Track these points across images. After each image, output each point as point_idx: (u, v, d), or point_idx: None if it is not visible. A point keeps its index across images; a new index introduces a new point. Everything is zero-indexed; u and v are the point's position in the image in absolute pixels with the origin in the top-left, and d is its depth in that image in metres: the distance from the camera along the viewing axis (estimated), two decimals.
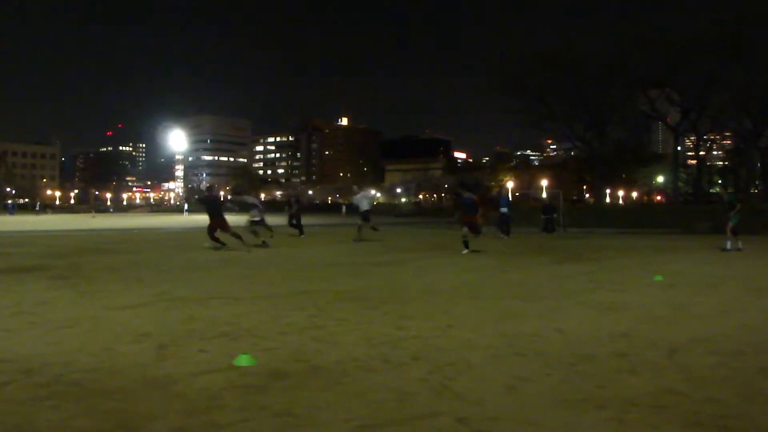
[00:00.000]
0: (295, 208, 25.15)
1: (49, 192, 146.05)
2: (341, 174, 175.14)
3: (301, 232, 23.56)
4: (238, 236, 16.67)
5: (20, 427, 3.79)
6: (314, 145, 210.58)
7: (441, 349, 5.72)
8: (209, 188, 35.24)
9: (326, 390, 4.51)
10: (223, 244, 16.72)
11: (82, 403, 4.18)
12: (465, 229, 16.13)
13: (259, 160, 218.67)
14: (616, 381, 4.74)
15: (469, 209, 16.44)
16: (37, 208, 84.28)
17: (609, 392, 4.46)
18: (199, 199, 24.40)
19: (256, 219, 19.83)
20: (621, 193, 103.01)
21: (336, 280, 10.95)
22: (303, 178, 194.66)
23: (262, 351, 5.51)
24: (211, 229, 16.73)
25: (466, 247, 15.98)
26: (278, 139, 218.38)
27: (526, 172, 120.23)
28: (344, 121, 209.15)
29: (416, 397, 4.36)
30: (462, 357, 5.42)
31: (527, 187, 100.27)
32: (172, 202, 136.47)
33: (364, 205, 22.06)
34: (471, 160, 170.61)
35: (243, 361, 5.12)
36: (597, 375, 4.89)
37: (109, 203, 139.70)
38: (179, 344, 5.86)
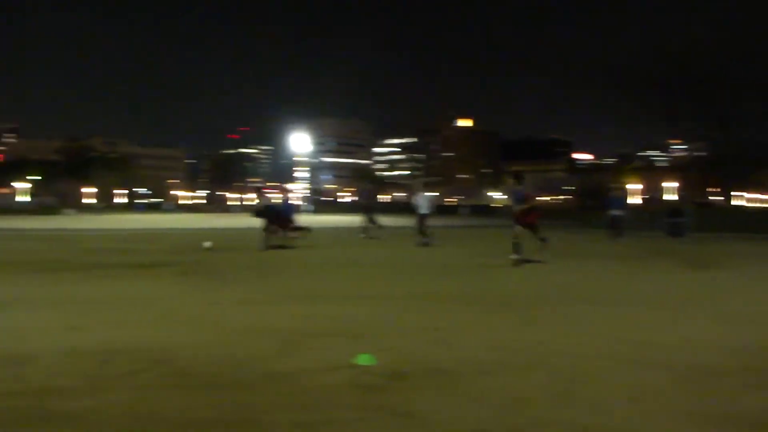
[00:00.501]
0: (367, 202, 25.10)
1: (175, 192, 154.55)
2: (461, 176, 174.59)
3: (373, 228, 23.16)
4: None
5: (148, 412, 4.05)
6: (434, 147, 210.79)
7: (561, 354, 5.63)
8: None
9: (444, 392, 4.54)
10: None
11: (208, 394, 4.42)
12: (518, 229, 13.47)
13: (380, 162, 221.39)
14: (745, 397, 4.51)
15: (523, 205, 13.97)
16: (168, 207, 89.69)
17: (737, 409, 4.26)
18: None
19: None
20: (752, 195, 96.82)
21: (453, 282, 10.98)
22: (425, 180, 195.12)
23: (381, 351, 5.59)
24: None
25: (516, 252, 13.21)
26: (399, 140, 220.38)
27: (650, 173, 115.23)
28: (464, 123, 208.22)
29: (536, 403, 4.32)
30: (583, 364, 5.31)
31: (652, 188, 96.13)
32: (300, 203, 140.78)
33: (424, 208, 20.63)
34: (592, 161, 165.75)
35: (363, 360, 5.22)
36: (724, 389, 4.67)
37: (233, 203, 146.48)
38: (301, 341, 6.04)
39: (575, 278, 11.70)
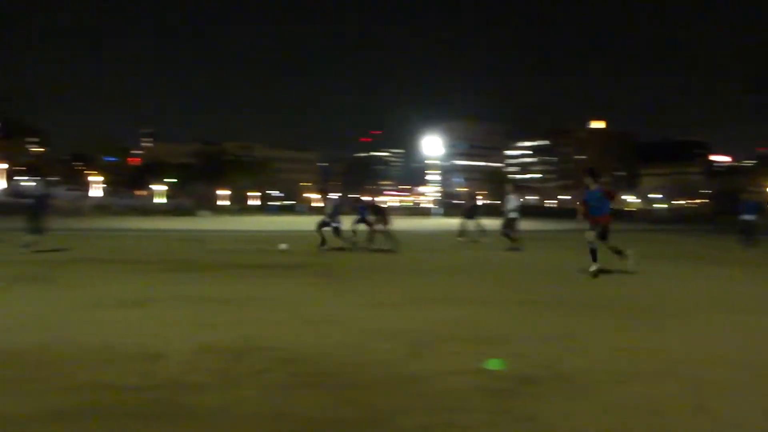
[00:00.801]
0: (469, 206, 24.51)
1: (308, 195, 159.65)
2: None
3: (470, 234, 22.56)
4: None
5: (277, 410, 4.14)
6: (567, 149, 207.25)
7: (697, 364, 5.42)
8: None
9: (574, 399, 4.44)
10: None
11: (336, 394, 4.47)
12: (591, 234, 12.05)
13: (513, 165, 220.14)
14: None
15: (599, 206, 12.19)
16: (302, 210, 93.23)
17: None
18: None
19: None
20: None
21: (587, 288, 10.68)
22: (557, 182, 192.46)
23: (511, 356, 5.54)
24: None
25: (594, 259, 11.98)
26: (531, 143, 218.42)
27: None
28: (597, 124, 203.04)
29: (669, 414, 4.17)
30: (719, 375, 5.09)
31: None
32: (429, 206, 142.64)
33: (512, 211, 19.32)
34: (731, 164, 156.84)
35: (493, 364, 5.19)
36: None
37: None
38: (430, 344, 6.05)
39: (697, 285, 11.32)
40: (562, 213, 77.62)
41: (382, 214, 18.55)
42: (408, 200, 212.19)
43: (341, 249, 17.38)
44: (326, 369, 5.12)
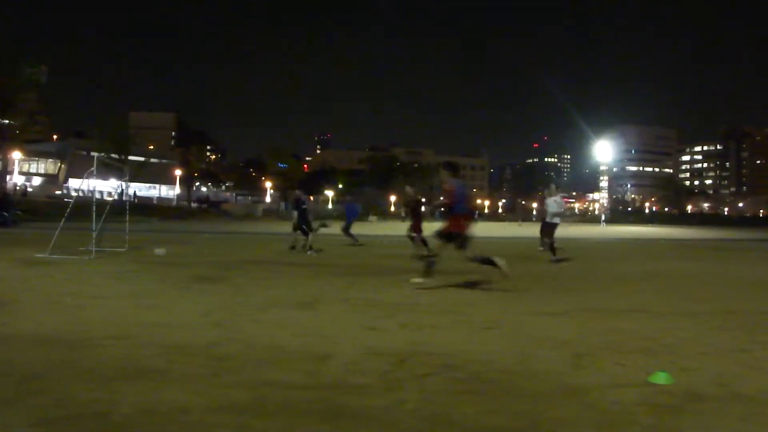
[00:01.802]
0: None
1: (479, 201, 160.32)
2: None
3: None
4: None
5: (436, 415, 4.17)
6: (744, 154, 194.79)
7: None
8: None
9: (746, 419, 4.19)
10: None
11: (497, 402, 4.46)
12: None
13: (685, 171, 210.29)
14: None
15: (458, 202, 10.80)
16: (476, 216, 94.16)
17: None
18: None
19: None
20: None
21: (762, 300, 10.06)
22: (732, 189, 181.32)
23: (679, 370, 5.31)
24: None
25: (489, 262, 10.85)
26: (705, 147, 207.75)
27: None
28: None
29: None
30: None
31: None
32: (598, 212, 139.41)
33: (555, 218, 17.25)
34: None
35: (660, 378, 5.00)
36: None
37: (534, 212, 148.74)
38: (596, 355, 5.93)
39: None
40: (737, 221, 73.71)
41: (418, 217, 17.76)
42: (578, 207, 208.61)
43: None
44: (488, 376, 5.11)
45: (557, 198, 17.58)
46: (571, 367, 5.48)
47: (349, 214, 25.47)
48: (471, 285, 11.37)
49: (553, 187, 17.99)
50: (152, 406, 4.19)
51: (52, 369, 5.03)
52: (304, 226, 18.93)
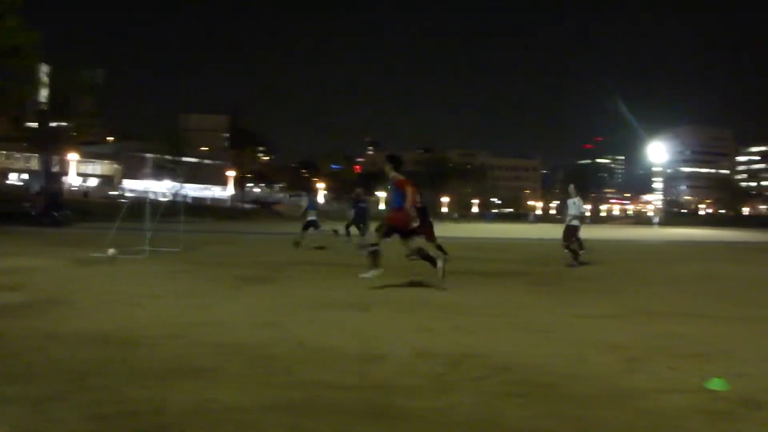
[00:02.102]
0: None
1: (531, 203, 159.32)
2: None
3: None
4: None
5: (489, 418, 4.16)
6: None
7: None
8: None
9: None
10: None
11: (550, 406, 4.42)
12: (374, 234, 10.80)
13: (742, 172, 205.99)
14: None
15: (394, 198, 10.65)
16: (531, 219, 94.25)
17: None
18: None
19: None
20: None
21: None
22: None
23: (735, 376, 5.19)
24: None
25: (375, 264, 10.62)
26: (763, 148, 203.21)
27: None
28: None
29: None
30: None
31: None
32: (651, 214, 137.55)
33: (574, 220, 16.28)
34: None
35: (715, 384, 4.90)
36: None
37: (587, 214, 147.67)
38: (649, 359, 5.86)
39: None
40: None
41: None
42: (631, 208, 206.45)
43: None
44: (541, 379, 5.08)
45: (576, 200, 16.56)
46: (623, 371, 5.42)
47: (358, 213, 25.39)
48: (527, 286, 11.28)
49: (572, 188, 17.04)
50: (204, 404, 4.25)
51: (107, 366, 5.14)
52: (361, 225, 18.96)
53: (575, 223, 16.27)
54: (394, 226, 10.59)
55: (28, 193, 48.14)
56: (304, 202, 21.45)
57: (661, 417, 4.25)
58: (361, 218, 19.03)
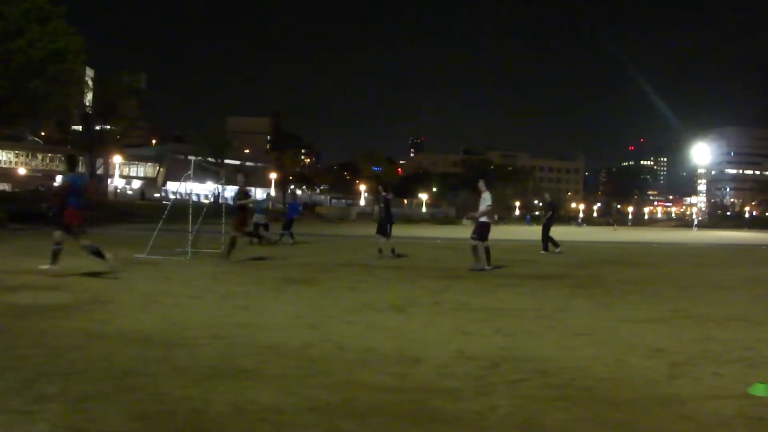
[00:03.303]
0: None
1: (573, 205, 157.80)
2: None
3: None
4: None
5: (528, 421, 4.15)
6: None
7: None
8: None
9: None
10: None
11: (590, 410, 4.39)
12: (58, 233, 11.26)
13: None
14: None
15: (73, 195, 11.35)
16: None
17: None
18: None
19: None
20: None
21: None
22: None
23: None
24: None
25: (54, 261, 11.32)
26: None
27: None
28: None
29: None
30: None
31: None
32: (694, 217, 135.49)
33: (485, 216, 15.05)
34: None
35: (759, 390, 4.84)
36: None
37: (630, 216, 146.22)
38: (692, 364, 5.80)
39: None
40: None
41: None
42: (674, 211, 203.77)
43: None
44: (581, 383, 5.05)
45: (486, 195, 15.19)
46: (666, 376, 5.36)
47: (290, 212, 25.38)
48: (569, 289, 11.19)
49: (481, 183, 15.68)
50: (245, 405, 4.30)
51: (149, 366, 5.22)
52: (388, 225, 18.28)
53: (485, 219, 15.30)
54: (70, 223, 11.18)
55: (47, 193, 48.93)
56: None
57: (703, 423, 4.21)
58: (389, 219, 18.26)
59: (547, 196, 23.84)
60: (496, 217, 22.72)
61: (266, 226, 23.51)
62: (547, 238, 21.79)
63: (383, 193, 18.66)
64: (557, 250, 21.34)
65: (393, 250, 17.48)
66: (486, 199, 15.04)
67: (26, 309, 7.80)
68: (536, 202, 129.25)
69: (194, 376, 4.98)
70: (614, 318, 8.30)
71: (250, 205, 17.97)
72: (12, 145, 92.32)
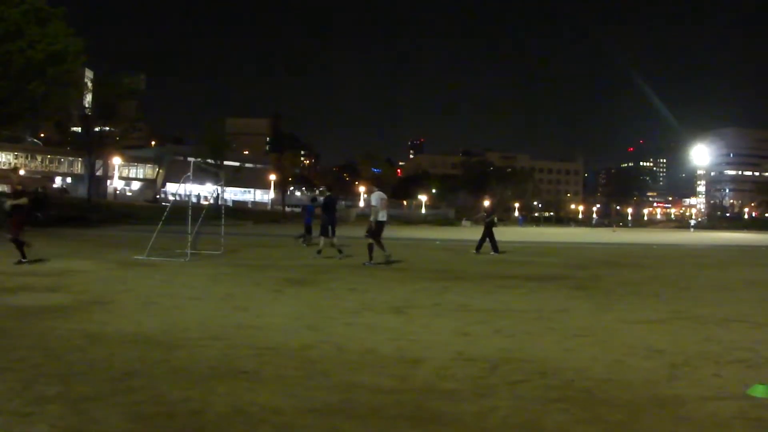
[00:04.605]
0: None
1: (572, 206, 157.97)
2: None
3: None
4: None
5: (528, 422, 4.15)
6: None
7: None
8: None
9: None
10: None
11: (589, 411, 4.39)
12: None
13: None
14: None
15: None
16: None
17: None
18: None
19: None
20: None
21: None
22: None
23: None
24: None
25: None
26: None
27: None
28: None
29: None
30: None
31: None
32: (694, 218, 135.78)
33: (380, 214, 15.79)
34: None
35: (758, 391, 4.83)
36: None
37: (629, 218, 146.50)
38: (692, 365, 5.79)
39: None
40: None
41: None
42: (674, 212, 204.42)
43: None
44: (581, 384, 5.05)
45: (378, 194, 16.15)
46: (666, 377, 5.36)
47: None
48: (568, 290, 11.19)
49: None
50: (244, 406, 4.30)
51: (149, 367, 5.22)
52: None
53: (382, 218, 15.92)
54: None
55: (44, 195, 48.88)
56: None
57: (703, 424, 4.21)
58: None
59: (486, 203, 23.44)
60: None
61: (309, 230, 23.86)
62: (483, 240, 21.52)
63: (328, 194, 18.88)
64: (492, 252, 20.82)
65: (340, 251, 17.48)
66: (373, 200, 15.97)
67: (25, 310, 7.81)
68: (535, 203, 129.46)
69: (194, 377, 4.98)
70: (614, 319, 8.30)
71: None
72: (11, 146, 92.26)
